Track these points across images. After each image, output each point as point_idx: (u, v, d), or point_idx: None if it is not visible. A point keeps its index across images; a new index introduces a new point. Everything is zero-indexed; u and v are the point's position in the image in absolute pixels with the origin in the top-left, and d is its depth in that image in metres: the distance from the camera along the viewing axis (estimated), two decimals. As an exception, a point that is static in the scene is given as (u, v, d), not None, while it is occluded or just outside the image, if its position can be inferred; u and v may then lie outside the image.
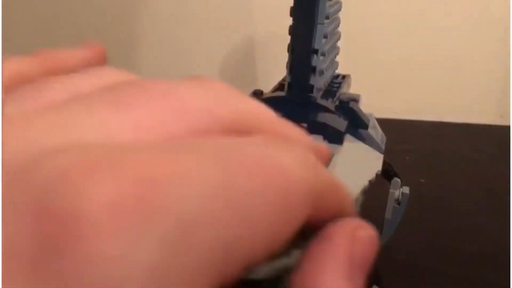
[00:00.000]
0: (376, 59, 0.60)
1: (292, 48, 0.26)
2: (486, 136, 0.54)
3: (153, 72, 0.62)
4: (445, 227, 0.35)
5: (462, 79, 0.61)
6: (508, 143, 0.49)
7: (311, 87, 0.26)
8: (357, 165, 0.25)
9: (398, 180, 0.29)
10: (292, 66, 0.26)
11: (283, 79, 0.33)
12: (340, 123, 0.25)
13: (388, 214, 0.29)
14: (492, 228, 0.35)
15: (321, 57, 0.27)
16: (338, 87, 0.31)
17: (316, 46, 0.26)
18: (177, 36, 0.62)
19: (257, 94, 0.27)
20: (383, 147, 0.27)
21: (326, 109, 0.25)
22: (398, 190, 0.29)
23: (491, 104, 0.61)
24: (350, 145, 0.25)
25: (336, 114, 0.25)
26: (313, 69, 0.26)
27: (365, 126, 0.26)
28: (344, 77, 0.33)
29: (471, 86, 0.61)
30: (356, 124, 0.26)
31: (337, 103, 0.27)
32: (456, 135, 0.54)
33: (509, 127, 0.53)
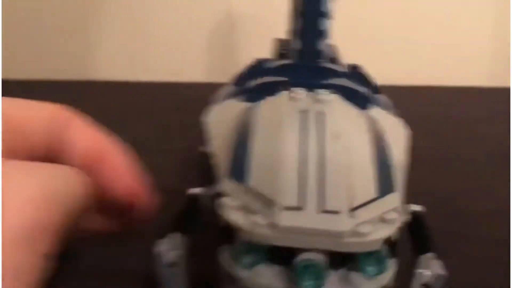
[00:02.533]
0: (364, 26, 0.59)
1: (301, 12, 0.24)
2: (478, 99, 0.55)
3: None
4: (450, 189, 0.35)
5: (451, 43, 0.61)
6: (500, 104, 0.50)
7: (320, 53, 0.25)
8: (394, 133, 0.22)
9: (431, 255, 0.20)
10: (303, 31, 0.24)
11: (281, 48, 0.31)
12: (360, 87, 0.23)
13: None
14: (496, 188, 0.35)
15: (328, 21, 0.25)
16: (334, 55, 0.30)
17: (324, 8, 0.24)
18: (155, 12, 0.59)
19: (261, 62, 0.26)
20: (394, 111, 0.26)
21: (340, 74, 0.24)
22: (430, 269, 0.20)
23: (481, 67, 0.62)
24: (376, 110, 0.23)
25: (349, 78, 0.24)
26: (321, 34, 0.25)
27: (378, 91, 0.25)
28: (331, 46, 0.32)
29: (460, 51, 0.61)
30: (369, 89, 0.25)
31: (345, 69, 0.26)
32: (449, 99, 0.54)
33: (501, 88, 0.54)
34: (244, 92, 0.24)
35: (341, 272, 0.17)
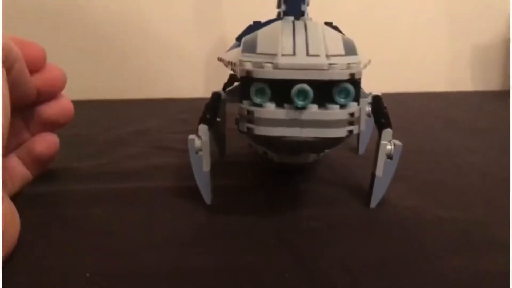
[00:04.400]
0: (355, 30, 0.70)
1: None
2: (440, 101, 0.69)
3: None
4: (438, 168, 0.38)
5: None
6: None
7: (303, 13, 0.34)
8: None
9: (390, 130, 0.28)
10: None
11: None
12: None
13: (378, 171, 0.29)
14: (482, 165, 0.39)
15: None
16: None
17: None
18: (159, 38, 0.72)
19: (257, 22, 0.35)
20: None
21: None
22: (390, 142, 0.28)
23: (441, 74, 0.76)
24: None
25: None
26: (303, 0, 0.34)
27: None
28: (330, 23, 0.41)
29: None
30: None
31: None
32: (418, 102, 0.69)
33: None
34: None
35: (322, 104, 0.24)
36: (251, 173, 0.36)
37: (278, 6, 0.36)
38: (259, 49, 0.25)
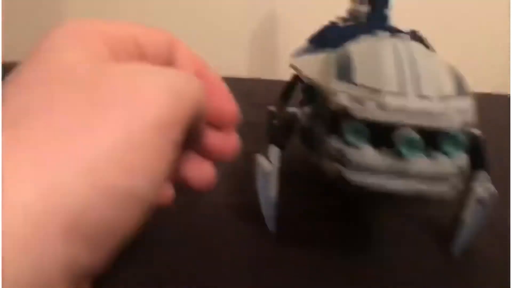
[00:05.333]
0: None
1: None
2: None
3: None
4: None
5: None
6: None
7: (386, 17, 0.30)
8: None
9: (486, 173, 0.24)
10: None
11: (342, 19, 0.36)
12: None
13: (467, 216, 0.25)
14: None
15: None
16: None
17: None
18: (202, 12, 0.65)
19: (334, 23, 0.31)
20: None
21: (403, 33, 0.29)
22: (484, 187, 0.24)
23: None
24: None
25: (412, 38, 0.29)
26: (386, 2, 0.30)
27: (434, 51, 0.30)
28: None
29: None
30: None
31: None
32: None
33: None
34: (326, 43, 0.28)
35: (428, 153, 0.21)
36: (317, 197, 0.32)
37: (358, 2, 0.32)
38: (358, 79, 0.22)
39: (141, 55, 0.21)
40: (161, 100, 0.15)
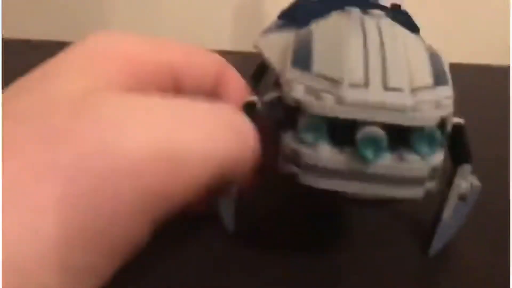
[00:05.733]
0: None
1: None
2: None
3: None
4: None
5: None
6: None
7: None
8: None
9: (469, 166, 0.22)
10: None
11: None
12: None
13: (447, 213, 0.23)
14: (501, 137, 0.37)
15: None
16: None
17: None
18: None
19: None
20: None
21: (385, 9, 0.26)
22: (467, 180, 0.22)
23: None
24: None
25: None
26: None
27: (418, 30, 0.27)
28: None
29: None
30: (410, 28, 0.26)
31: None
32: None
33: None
34: (295, 21, 0.25)
35: (395, 151, 0.18)
36: (282, 197, 0.29)
37: None
38: (316, 67, 0.19)
39: (177, 86, 0.18)
40: (152, 169, 0.12)
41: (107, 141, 0.12)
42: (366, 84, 0.17)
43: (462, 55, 0.62)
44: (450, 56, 0.25)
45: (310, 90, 0.18)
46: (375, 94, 0.17)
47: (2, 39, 0.48)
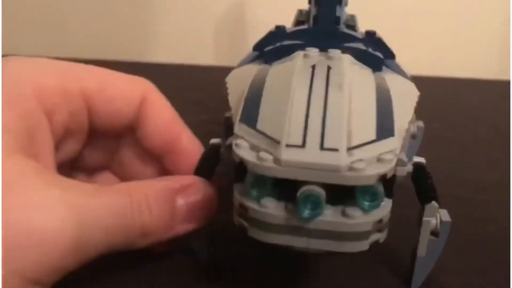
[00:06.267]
0: (378, 13, 0.60)
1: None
2: (491, 89, 0.58)
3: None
4: (461, 161, 0.38)
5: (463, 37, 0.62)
6: (506, 95, 0.53)
7: (338, 19, 0.26)
8: (402, 93, 0.23)
9: (436, 205, 0.22)
10: (320, -3, 0.26)
11: (300, 15, 0.33)
12: (375, 51, 0.25)
13: (421, 250, 0.23)
14: (501, 160, 0.38)
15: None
16: (353, 23, 0.31)
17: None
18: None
19: (280, 28, 0.27)
20: (410, 78, 0.27)
21: (355, 39, 0.26)
22: (436, 217, 0.22)
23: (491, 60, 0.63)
24: (389, 73, 0.24)
25: (365, 43, 0.26)
26: (339, 0, 0.26)
27: (393, 56, 0.26)
28: (352, 15, 0.33)
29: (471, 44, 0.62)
30: (385, 54, 0.26)
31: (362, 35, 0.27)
32: (462, 89, 0.58)
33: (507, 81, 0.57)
34: (262, 56, 0.26)
35: (339, 206, 0.18)
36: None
37: (309, 1, 0.28)
38: (260, 124, 0.19)
39: (92, 111, 0.19)
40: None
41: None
42: (303, 144, 0.18)
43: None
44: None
45: (253, 147, 0.19)
46: (311, 154, 0.17)
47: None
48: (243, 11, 0.62)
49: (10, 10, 0.60)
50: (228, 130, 0.23)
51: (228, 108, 0.23)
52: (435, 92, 0.53)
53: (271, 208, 0.18)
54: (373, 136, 0.18)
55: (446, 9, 0.61)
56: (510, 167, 0.36)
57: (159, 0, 0.62)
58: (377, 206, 0.18)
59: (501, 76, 0.60)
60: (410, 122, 0.24)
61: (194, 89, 0.51)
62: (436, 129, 0.43)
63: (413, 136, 0.28)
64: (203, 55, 0.63)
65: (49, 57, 0.20)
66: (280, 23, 0.28)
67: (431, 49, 0.62)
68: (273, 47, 0.25)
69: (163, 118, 0.22)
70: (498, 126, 0.46)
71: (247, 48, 0.28)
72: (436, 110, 0.48)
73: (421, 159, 0.22)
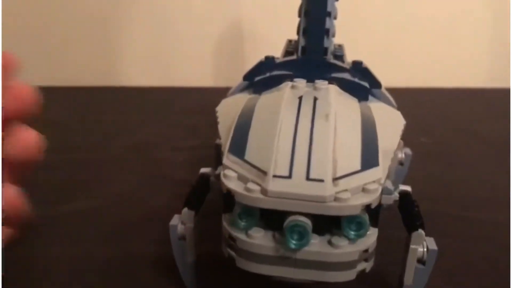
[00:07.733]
0: (367, 28, 0.61)
1: (307, 12, 0.26)
2: (477, 98, 0.59)
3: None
4: (453, 178, 0.38)
5: (454, 46, 0.64)
6: (499, 103, 0.54)
7: (325, 49, 0.27)
8: (388, 121, 0.23)
9: (422, 232, 0.21)
10: (308, 29, 0.26)
11: (289, 46, 0.33)
12: (362, 80, 0.25)
13: (407, 278, 0.22)
14: (494, 176, 0.38)
15: (333, 20, 0.27)
16: (341, 53, 0.32)
17: (329, 8, 0.26)
18: (168, 22, 0.63)
19: (269, 59, 0.28)
20: (396, 106, 0.28)
21: (342, 69, 0.26)
22: (422, 245, 0.22)
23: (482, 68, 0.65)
24: (375, 102, 0.25)
25: (352, 73, 0.26)
26: (327, 32, 0.27)
27: (379, 85, 0.27)
28: (339, 45, 0.34)
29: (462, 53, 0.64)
30: (371, 83, 0.26)
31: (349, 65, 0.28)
32: (448, 99, 0.59)
33: (499, 89, 0.59)
34: (252, 86, 0.26)
35: (325, 236, 0.19)
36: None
37: (297, 32, 0.29)
38: (248, 155, 0.19)
39: None
40: None
41: None
42: (289, 175, 0.18)
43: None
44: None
45: (241, 178, 0.19)
46: (297, 185, 0.18)
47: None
48: (241, 32, 0.63)
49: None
50: (218, 157, 0.23)
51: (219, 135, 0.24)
52: (422, 104, 0.54)
53: (259, 239, 0.19)
54: (358, 166, 0.19)
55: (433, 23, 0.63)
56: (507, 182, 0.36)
57: (146, 24, 0.63)
58: (363, 235, 0.18)
59: (488, 84, 0.62)
60: (397, 149, 0.24)
61: (187, 113, 0.52)
62: (424, 143, 0.44)
63: (401, 163, 0.29)
64: (201, 77, 0.64)
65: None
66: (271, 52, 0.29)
67: (419, 61, 0.64)
68: (262, 77, 0.26)
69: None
70: (491, 137, 0.46)
71: (247, 67, 0.29)
72: (424, 123, 0.49)
73: (407, 188, 0.22)
